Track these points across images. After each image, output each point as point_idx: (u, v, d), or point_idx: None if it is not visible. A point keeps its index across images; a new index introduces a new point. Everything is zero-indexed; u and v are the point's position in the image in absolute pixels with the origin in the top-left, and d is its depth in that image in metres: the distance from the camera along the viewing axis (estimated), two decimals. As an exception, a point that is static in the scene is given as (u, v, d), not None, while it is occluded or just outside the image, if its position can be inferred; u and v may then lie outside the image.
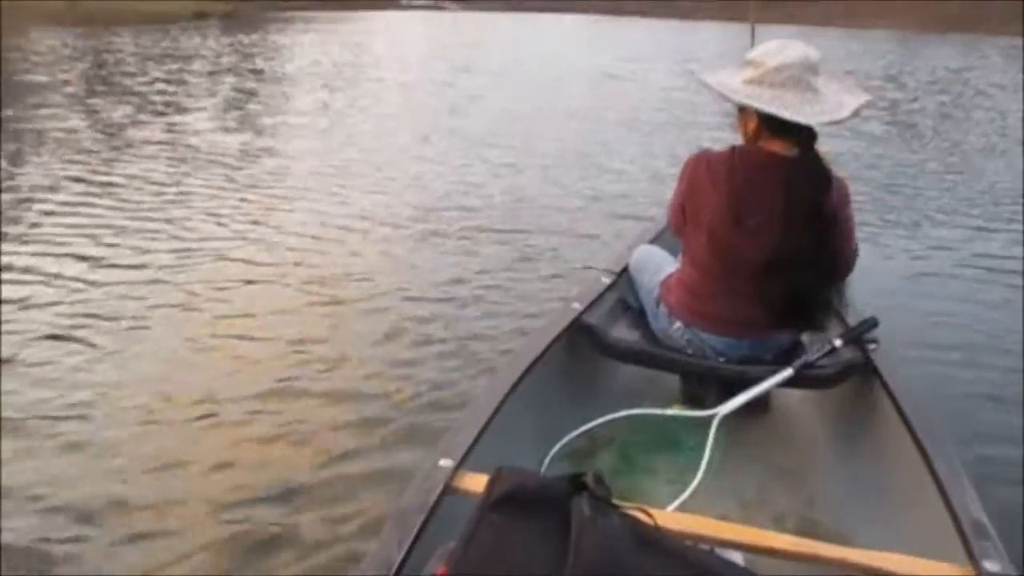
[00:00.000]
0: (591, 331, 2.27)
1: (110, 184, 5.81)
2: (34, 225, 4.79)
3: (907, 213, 5.69)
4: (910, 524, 1.69)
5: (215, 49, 16.66)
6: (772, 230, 2.02)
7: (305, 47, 17.82)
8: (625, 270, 2.56)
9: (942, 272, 4.45)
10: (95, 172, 6.17)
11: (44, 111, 8.77)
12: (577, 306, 2.33)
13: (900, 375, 2.04)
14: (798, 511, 1.99)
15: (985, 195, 6.29)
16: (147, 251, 4.36)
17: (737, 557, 1.48)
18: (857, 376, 2.14)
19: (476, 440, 1.64)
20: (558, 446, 2.00)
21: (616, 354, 2.28)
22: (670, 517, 1.47)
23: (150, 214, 5.07)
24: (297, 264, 4.23)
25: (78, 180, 5.90)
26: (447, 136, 8.13)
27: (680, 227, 2.22)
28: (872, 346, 2.16)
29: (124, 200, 5.39)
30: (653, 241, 2.78)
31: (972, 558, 1.37)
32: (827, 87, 2.00)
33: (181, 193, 5.64)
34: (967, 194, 6.32)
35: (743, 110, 2.07)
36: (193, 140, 7.54)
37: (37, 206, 5.17)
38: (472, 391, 2.76)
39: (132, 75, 12.27)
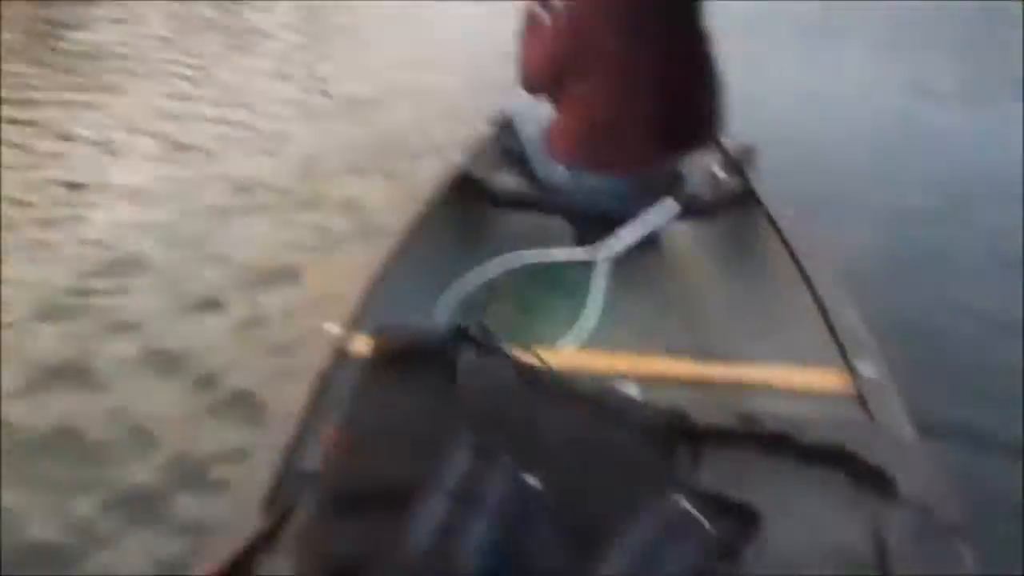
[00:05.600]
0: (476, 182, 2.21)
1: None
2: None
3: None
4: (794, 340, 1.76)
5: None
6: (667, 42, 2.04)
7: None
8: (508, 119, 2.49)
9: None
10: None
11: None
12: (460, 159, 2.26)
13: (780, 200, 2.09)
14: (689, 340, 2.04)
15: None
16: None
17: (632, 389, 1.51)
18: (740, 204, 2.18)
19: (364, 302, 1.59)
20: (446, 297, 1.97)
21: (503, 202, 2.25)
22: (561, 356, 1.48)
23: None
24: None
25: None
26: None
27: (552, 80, 2.16)
28: (752, 173, 2.19)
29: None
30: None
31: (848, 363, 1.44)
32: None
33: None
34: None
35: None
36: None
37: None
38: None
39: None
